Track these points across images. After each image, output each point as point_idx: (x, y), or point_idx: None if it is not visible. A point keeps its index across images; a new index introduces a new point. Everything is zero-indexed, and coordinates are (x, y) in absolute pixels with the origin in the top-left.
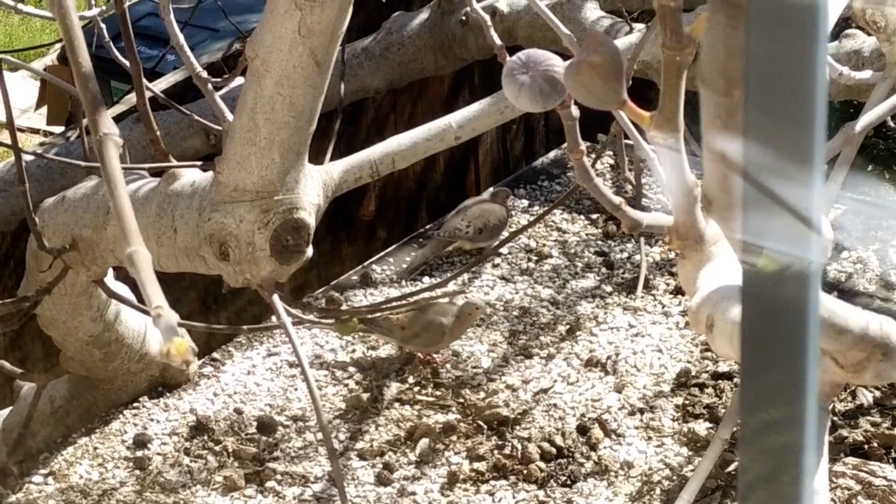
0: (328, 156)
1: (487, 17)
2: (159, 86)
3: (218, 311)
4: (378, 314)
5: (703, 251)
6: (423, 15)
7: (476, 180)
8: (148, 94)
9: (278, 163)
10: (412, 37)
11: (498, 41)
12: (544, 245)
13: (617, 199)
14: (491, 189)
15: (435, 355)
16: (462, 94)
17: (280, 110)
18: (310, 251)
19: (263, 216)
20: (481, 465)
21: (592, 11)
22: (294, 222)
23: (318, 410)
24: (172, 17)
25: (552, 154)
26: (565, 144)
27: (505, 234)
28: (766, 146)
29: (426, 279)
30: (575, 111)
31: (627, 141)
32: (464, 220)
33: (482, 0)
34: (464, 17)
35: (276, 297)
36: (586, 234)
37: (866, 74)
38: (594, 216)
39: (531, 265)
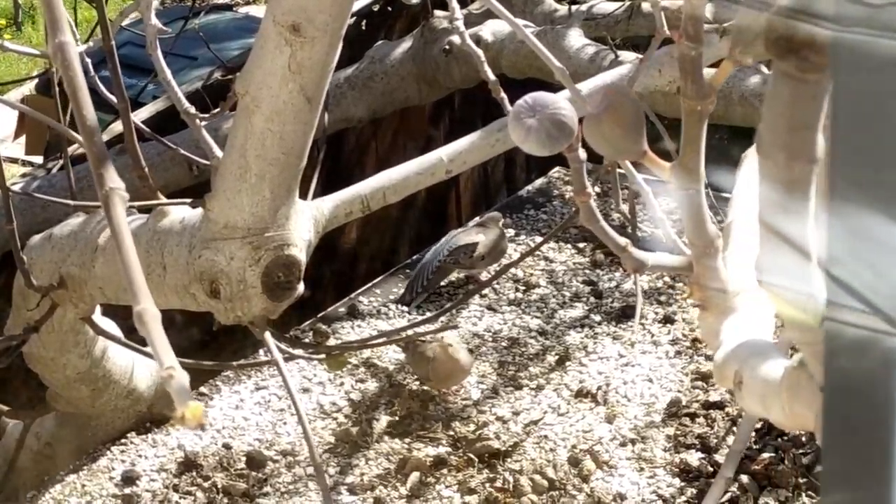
0: (312, 186)
1: (481, 53)
2: (140, 115)
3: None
4: (368, 347)
5: (725, 303)
6: (406, 44)
7: (457, 207)
8: None
9: (269, 199)
10: (395, 66)
11: (492, 76)
12: (532, 274)
13: (623, 241)
14: (477, 218)
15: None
16: (442, 120)
17: (271, 147)
18: (301, 288)
19: (254, 253)
20: (473, 499)
21: (577, 39)
22: (285, 259)
23: (311, 448)
24: (159, 52)
25: (538, 183)
26: (552, 172)
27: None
28: (859, 196)
29: (414, 312)
30: (582, 154)
31: (621, 171)
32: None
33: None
34: (447, 47)
35: (268, 335)
36: (574, 263)
37: None
38: (581, 245)
39: (519, 295)
